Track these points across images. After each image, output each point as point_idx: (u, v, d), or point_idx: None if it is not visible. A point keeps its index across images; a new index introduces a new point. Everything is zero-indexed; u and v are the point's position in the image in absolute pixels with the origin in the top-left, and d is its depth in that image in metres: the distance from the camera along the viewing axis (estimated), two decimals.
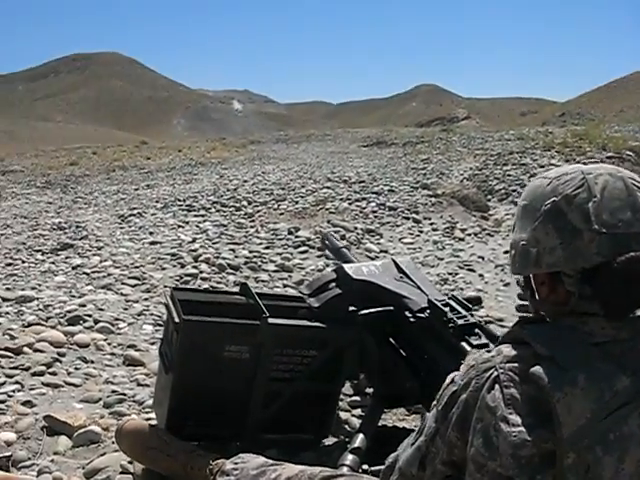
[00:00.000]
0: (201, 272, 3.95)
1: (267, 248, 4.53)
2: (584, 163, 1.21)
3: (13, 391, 2.36)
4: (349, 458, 1.69)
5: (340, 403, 2.21)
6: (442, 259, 4.62)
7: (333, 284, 1.99)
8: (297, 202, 5.82)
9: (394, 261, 2.14)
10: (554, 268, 1.10)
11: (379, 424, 1.98)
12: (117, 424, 1.91)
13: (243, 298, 1.97)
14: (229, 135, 23.04)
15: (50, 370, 2.57)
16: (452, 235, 5.28)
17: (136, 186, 7.91)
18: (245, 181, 7.18)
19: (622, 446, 0.99)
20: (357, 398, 2.33)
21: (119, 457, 1.89)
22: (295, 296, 2.10)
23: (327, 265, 4.03)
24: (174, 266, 4.12)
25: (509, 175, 7.18)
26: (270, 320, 1.81)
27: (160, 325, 3.02)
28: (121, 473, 1.85)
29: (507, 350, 1.08)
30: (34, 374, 2.52)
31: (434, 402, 1.18)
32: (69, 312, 3.17)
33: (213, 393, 1.83)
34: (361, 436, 1.77)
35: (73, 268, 4.13)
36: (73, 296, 3.51)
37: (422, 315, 1.86)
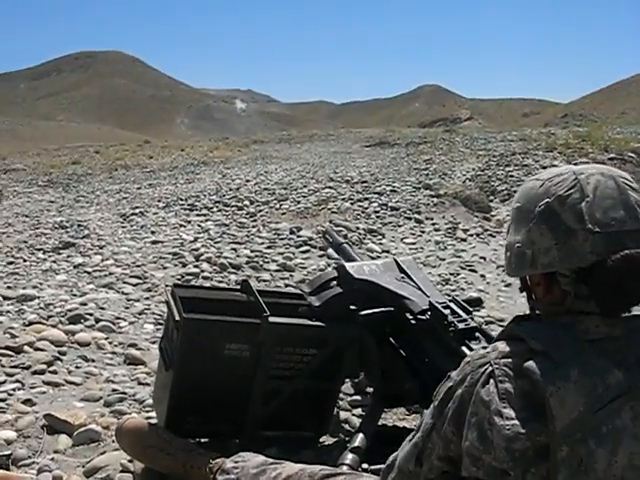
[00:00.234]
0: (203, 271, 3.96)
1: (269, 248, 4.53)
2: (575, 164, 1.22)
3: (14, 389, 2.36)
4: (349, 457, 1.69)
5: (340, 402, 2.21)
6: (444, 259, 4.61)
7: (334, 283, 1.99)
8: (299, 202, 5.82)
9: (396, 261, 2.14)
10: (550, 268, 1.11)
11: (379, 423, 1.97)
12: (117, 423, 1.90)
13: (244, 295, 1.97)
14: (232, 135, 23.06)
15: (51, 369, 2.57)
16: (454, 235, 5.28)
17: (138, 185, 7.92)
18: (247, 181, 7.18)
19: (615, 439, 1.00)
20: (357, 397, 2.33)
21: (119, 456, 1.89)
22: (296, 294, 2.10)
23: (329, 265, 4.03)
24: (175, 265, 4.13)
25: (511, 176, 7.18)
26: (271, 319, 1.81)
27: (161, 324, 3.02)
28: (121, 472, 1.85)
29: (502, 346, 1.10)
30: (35, 373, 2.52)
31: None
32: (70, 311, 3.17)
33: (213, 391, 1.83)
34: (361, 435, 1.77)
35: (74, 267, 4.14)
36: (74, 295, 3.52)
37: (423, 317, 1.85)
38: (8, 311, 3.22)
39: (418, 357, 1.84)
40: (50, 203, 7.01)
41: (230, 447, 1.78)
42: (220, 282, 3.81)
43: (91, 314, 3.16)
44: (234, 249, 4.43)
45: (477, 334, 1.69)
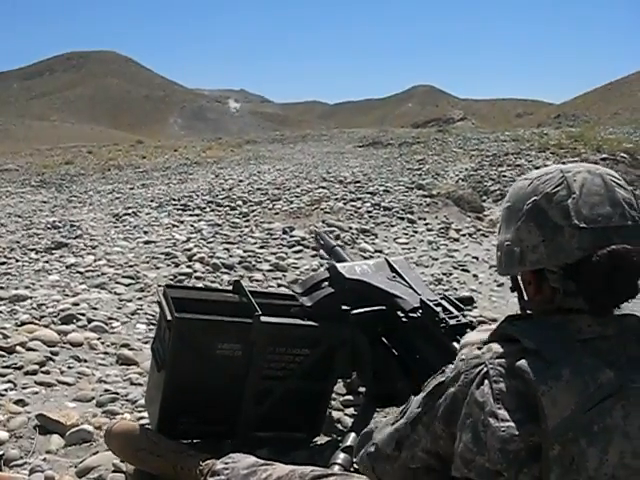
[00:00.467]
0: (195, 271, 3.95)
1: (262, 247, 4.53)
2: (563, 163, 1.23)
3: (6, 390, 2.36)
4: (341, 457, 1.69)
5: (333, 402, 2.22)
6: (436, 259, 4.63)
7: (326, 283, 2.00)
8: (292, 202, 5.82)
9: (387, 261, 2.15)
10: (538, 265, 1.12)
11: (371, 423, 1.98)
12: (106, 426, 1.90)
13: (236, 296, 1.97)
14: (225, 135, 23.03)
15: (43, 369, 2.56)
16: (447, 235, 5.30)
17: (131, 185, 7.90)
18: (240, 181, 7.18)
19: (606, 437, 1.00)
20: (350, 397, 2.33)
21: (111, 456, 1.89)
22: (288, 294, 2.11)
23: (321, 265, 4.04)
24: (168, 265, 4.12)
25: (504, 176, 7.21)
26: (263, 318, 1.82)
27: (154, 324, 3.01)
28: (113, 472, 1.84)
29: (496, 346, 1.10)
30: (27, 373, 2.52)
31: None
32: (62, 311, 3.16)
33: (205, 391, 1.83)
34: (353, 435, 1.77)
35: (67, 267, 4.12)
36: (67, 295, 3.51)
37: (414, 315, 1.86)
38: (0, 311, 3.20)
39: (410, 355, 1.85)
40: (43, 203, 6.99)
41: (222, 448, 1.78)
42: (213, 282, 3.81)
43: (83, 314, 3.15)
44: (227, 249, 4.43)
45: (468, 330, 1.70)
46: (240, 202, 5.89)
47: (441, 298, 1.85)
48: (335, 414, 2.23)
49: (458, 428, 1.08)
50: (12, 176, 9.45)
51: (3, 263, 4.28)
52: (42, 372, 2.54)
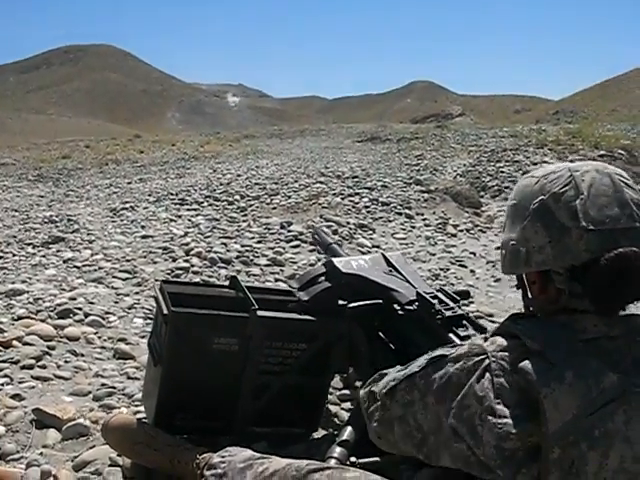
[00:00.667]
0: (192, 266, 3.95)
1: (259, 242, 4.53)
2: (571, 161, 1.22)
3: (2, 384, 2.35)
4: (337, 451, 1.69)
5: (330, 397, 2.22)
6: (434, 255, 4.63)
7: (322, 278, 2.00)
8: (290, 197, 5.81)
9: (384, 255, 2.15)
10: (544, 266, 1.11)
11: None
12: (103, 419, 1.90)
13: (233, 291, 1.97)
14: (223, 129, 22.97)
15: (39, 363, 2.55)
16: (444, 231, 5.30)
17: (129, 180, 7.89)
18: (238, 175, 7.17)
19: (607, 442, 1.00)
20: (346, 392, 2.33)
21: (108, 450, 1.89)
22: (285, 290, 2.11)
23: (319, 260, 4.03)
24: (165, 260, 4.11)
25: (502, 172, 7.21)
26: (259, 312, 1.81)
27: (151, 319, 3.01)
28: (110, 466, 1.84)
29: (500, 340, 1.10)
30: (23, 367, 2.51)
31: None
32: (59, 305, 3.15)
33: (202, 385, 1.83)
34: (349, 429, 1.77)
35: (64, 261, 4.12)
36: (63, 289, 3.50)
37: (410, 308, 1.86)
38: None
39: (407, 348, 1.85)
40: (40, 198, 6.97)
41: (218, 442, 1.78)
42: (210, 277, 3.80)
43: (80, 309, 3.15)
44: (224, 244, 4.42)
45: (464, 322, 1.70)
46: (238, 197, 5.88)
47: (437, 291, 1.85)
48: (332, 408, 2.23)
49: (451, 416, 1.08)
50: (9, 170, 9.42)
51: (0, 257, 4.27)
52: (39, 366, 2.53)
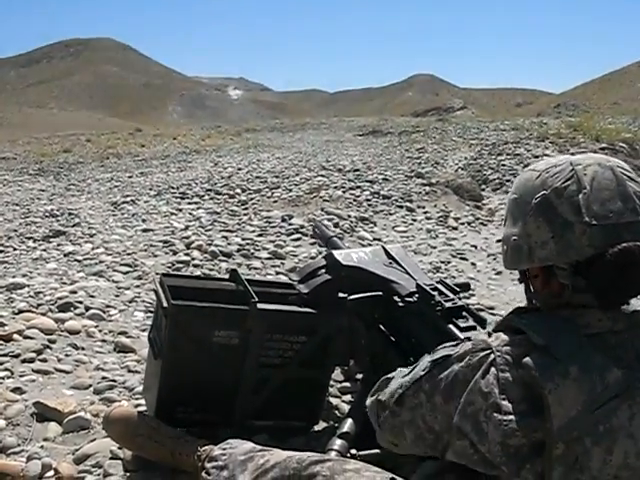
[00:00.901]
0: (193, 259, 3.94)
1: (260, 236, 4.52)
2: (572, 154, 1.20)
3: (3, 378, 2.35)
4: (337, 443, 1.69)
5: (330, 389, 2.22)
6: (435, 247, 4.62)
7: (323, 270, 1.99)
8: (291, 190, 5.80)
9: (384, 248, 2.14)
10: (547, 262, 1.10)
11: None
12: (105, 411, 1.90)
13: (233, 284, 1.96)
14: (224, 123, 22.94)
15: (40, 357, 2.55)
16: (445, 224, 5.29)
17: (130, 174, 7.88)
18: (239, 169, 7.16)
19: (611, 438, 0.99)
20: (347, 384, 2.33)
21: (109, 443, 1.89)
22: (285, 283, 2.10)
23: (320, 253, 4.03)
24: (166, 253, 4.11)
25: (503, 165, 7.20)
26: (259, 305, 1.81)
27: (151, 312, 3.01)
28: (111, 459, 1.85)
29: (505, 335, 1.09)
30: (24, 361, 2.51)
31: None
32: (60, 299, 3.15)
33: (202, 379, 1.82)
34: (350, 421, 1.77)
35: (65, 255, 4.12)
36: (64, 283, 3.50)
37: (410, 299, 1.86)
38: None
39: (407, 340, 1.84)
40: (41, 192, 6.97)
41: (219, 435, 1.78)
42: (211, 270, 3.80)
43: (81, 302, 3.14)
44: (225, 237, 4.42)
45: (464, 313, 1.70)
46: (239, 190, 5.88)
47: (437, 282, 1.85)
48: (333, 401, 2.23)
49: (457, 412, 1.07)
50: (10, 164, 9.42)
51: (0, 251, 4.27)
52: (39, 360, 2.53)
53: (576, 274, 1.08)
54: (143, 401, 2.09)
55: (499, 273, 4.05)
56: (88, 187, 7.10)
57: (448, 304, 1.71)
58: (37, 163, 9.35)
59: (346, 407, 2.17)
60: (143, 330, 2.89)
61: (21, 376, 2.38)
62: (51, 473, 1.78)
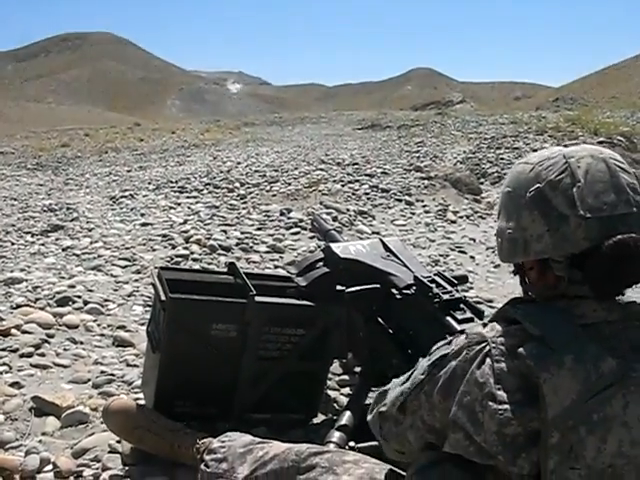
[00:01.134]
0: (192, 253, 3.94)
1: (259, 229, 4.52)
2: (565, 146, 1.20)
3: (1, 372, 2.36)
4: (336, 435, 1.70)
5: (329, 382, 2.22)
6: (434, 241, 4.63)
7: (321, 263, 1.99)
8: (290, 184, 5.80)
9: (381, 241, 2.14)
10: (542, 255, 1.10)
11: (366, 402, 1.98)
12: (104, 403, 1.90)
13: (231, 278, 1.96)
14: (223, 117, 22.90)
15: (39, 351, 2.56)
16: (444, 217, 5.29)
17: (128, 168, 7.87)
18: (238, 163, 7.15)
19: (605, 427, 1.00)
20: (345, 377, 2.33)
21: (107, 437, 1.89)
22: (283, 276, 2.10)
23: (319, 246, 4.02)
24: (165, 247, 4.11)
25: (502, 158, 7.20)
26: (257, 298, 1.81)
27: (150, 306, 3.01)
28: (109, 452, 1.85)
29: (500, 326, 1.09)
30: (22, 355, 2.51)
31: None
32: (58, 293, 3.15)
33: (201, 372, 1.82)
34: (348, 414, 1.78)
35: (63, 250, 4.11)
36: (63, 277, 3.50)
37: (408, 292, 1.86)
38: None
39: (405, 332, 1.84)
40: (39, 186, 6.96)
41: (218, 427, 1.79)
42: (210, 264, 3.80)
43: (79, 296, 3.14)
44: (224, 231, 4.41)
45: (462, 305, 1.70)
46: (238, 184, 5.87)
47: (435, 275, 1.85)
48: (331, 393, 2.23)
49: (454, 404, 1.07)
50: (8, 159, 9.41)
51: None
52: (38, 354, 2.54)
53: (572, 267, 1.08)
54: (142, 395, 2.09)
55: (497, 266, 4.06)
56: (86, 181, 7.10)
57: (446, 296, 1.71)
58: (35, 157, 9.33)
59: (344, 400, 2.17)
60: (142, 324, 2.89)
61: (19, 370, 2.39)
62: (49, 467, 1.79)
